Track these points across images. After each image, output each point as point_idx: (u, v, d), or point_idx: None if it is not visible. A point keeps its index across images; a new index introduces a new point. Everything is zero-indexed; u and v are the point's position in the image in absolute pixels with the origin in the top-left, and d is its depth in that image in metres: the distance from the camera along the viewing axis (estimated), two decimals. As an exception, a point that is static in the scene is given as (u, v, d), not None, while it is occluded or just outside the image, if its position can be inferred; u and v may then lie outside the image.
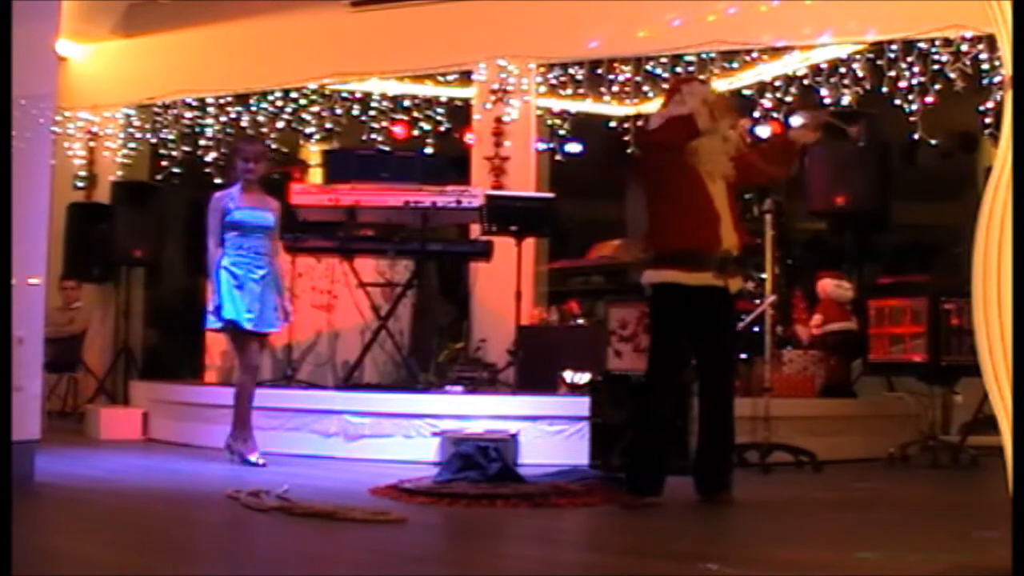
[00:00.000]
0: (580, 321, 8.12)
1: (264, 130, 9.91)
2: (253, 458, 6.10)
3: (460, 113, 9.63)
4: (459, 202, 7.49)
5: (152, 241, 10.09)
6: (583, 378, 6.67)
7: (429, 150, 9.56)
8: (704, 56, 8.48)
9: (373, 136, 9.64)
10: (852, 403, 7.32)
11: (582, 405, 6.17)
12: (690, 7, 8.53)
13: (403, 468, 5.84)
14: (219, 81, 9.92)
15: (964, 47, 7.72)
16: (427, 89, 9.75)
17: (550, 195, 8.23)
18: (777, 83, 8.53)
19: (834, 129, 5.93)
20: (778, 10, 8.28)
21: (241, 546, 3.82)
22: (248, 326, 6.12)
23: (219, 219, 6.19)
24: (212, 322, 6.23)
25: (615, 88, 8.92)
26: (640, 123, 5.36)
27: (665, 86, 8.80)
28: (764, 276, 6.57)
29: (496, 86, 8.95)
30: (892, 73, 7.95)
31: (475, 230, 8.08)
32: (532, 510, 4.52)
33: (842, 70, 8.22)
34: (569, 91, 9.08)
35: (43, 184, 5.22)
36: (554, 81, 9.05)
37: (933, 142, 8.33)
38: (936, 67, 7.86)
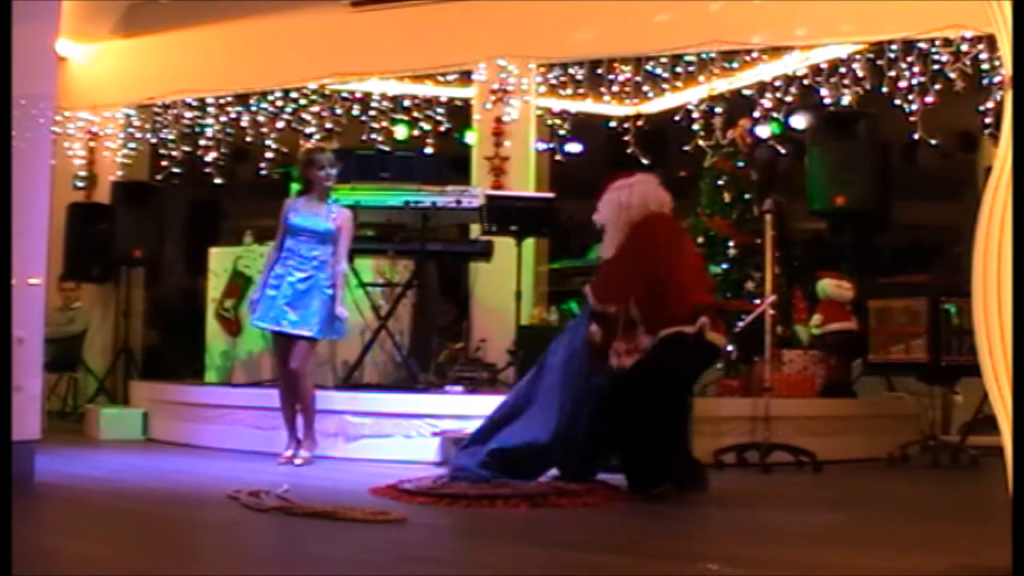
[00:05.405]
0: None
1: (264, 130, 9.91)
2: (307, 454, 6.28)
3: (460, 113, 9.63)
4: (459, 202, 7.49)
5: (152, 241, 10.10)
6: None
7: (429, 150, 9.56)
8: (704, 56, 8.49)
9: (373, 136, 9.64)
10: (852, 403, 7.31)
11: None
12: (690, 7, 8.53)
13: (403, 468, 5.84)
14: (219, 81, 9.92)
15: (964, 47, 7.73)
16: (427, 89, 9.75)
17: (550, 195, 8.23)
18: (777, 83, 8.53)
19: None
20: (778, 10, 8.28)
21: (241, 546, 3.82)
22: (271, 326, 6.19)
23: (281, 224, 6.29)
24: (251, 320, 6.34)
25: (615, 88, 8.93)
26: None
27: (665, 86, 8.87)
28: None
29: (496, 86, 8.95)
30: (892, 73, 7.95)
31: (475, 230, 8.08)
32: (532, 510, 4.52)
33: (842, 70, 8.22)
34: (569, 91, 9.09)
35: (43, 184, 5.22)
36: (554, 81, 9.05)
37: (933, 142, 8.33)
38: (936, 67, 7.86)
